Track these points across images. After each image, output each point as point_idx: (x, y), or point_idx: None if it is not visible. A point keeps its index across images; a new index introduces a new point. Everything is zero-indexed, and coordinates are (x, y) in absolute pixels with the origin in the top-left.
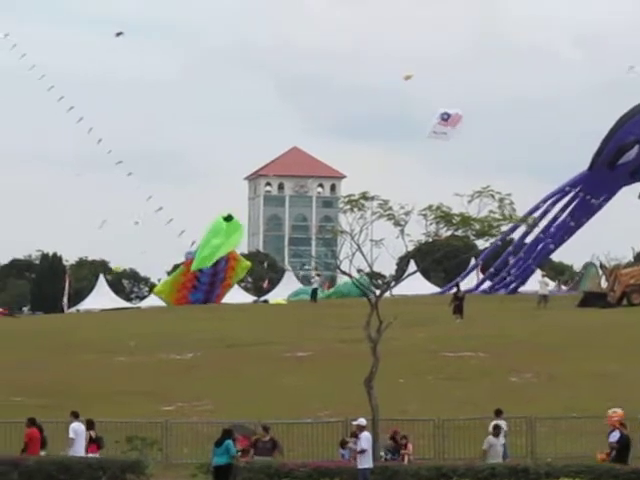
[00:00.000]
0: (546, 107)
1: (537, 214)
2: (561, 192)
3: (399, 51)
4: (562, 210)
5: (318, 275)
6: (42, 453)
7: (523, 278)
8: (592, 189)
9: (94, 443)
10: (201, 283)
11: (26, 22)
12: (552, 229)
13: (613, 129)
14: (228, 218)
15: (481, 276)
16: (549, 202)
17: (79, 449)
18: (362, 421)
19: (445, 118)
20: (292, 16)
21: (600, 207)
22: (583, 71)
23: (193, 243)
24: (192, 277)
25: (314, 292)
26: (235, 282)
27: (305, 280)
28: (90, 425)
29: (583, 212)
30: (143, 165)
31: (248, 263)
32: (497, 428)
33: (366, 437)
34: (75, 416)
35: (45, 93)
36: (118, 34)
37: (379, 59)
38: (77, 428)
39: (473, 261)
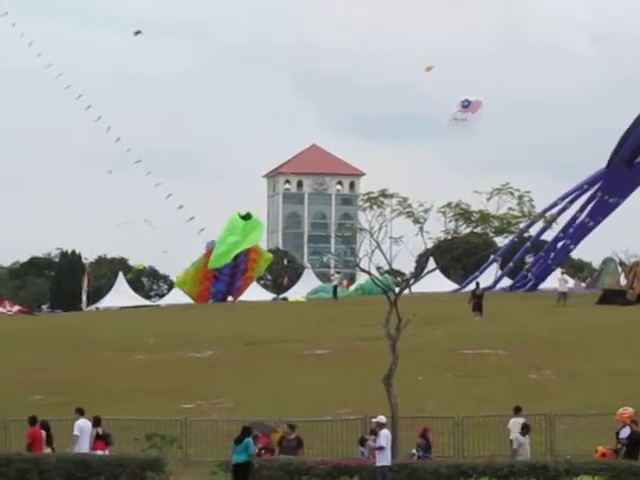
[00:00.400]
0: (563, 105)
1: (555, 211)
2: (579, 189)
3: (418, 50)
4: (581, 210)
5: (337, 272)
6: (47, 450)
7: (542, 277)
8: (610, 187)
9: (102, 440)
10: (222, 274)
11: (42, 21)
12: (571, 229)
13: (631, 127)
14: (247, 217)
15: (500, 273)
16: (567, 200)
17: (84, 446)
18: (382, 418)
19: (465, 105)
20: (310, 14)
21: (617, 205)
22: (599, 69)
23: (212, 242)
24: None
25: (335, 289)
26: (257, 275)
27: (324, 277)
28: (97, 422)
29: (600, 211)
30: (162, 163)
31: (270, 255)
32: (526, 427)
33: (385, 435)
34: (80, 413)
35: (63, 92)
36: (137, 33)
37: (398, 57)
38: (82, 425)
39: (492, 258)
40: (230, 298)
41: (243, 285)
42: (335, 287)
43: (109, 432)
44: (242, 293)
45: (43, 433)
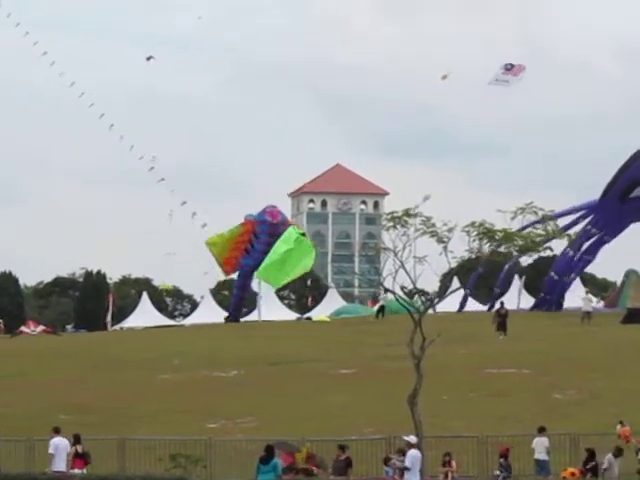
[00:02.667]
0: (587, 123)
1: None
2: (572, 212)
3: (442, 67)
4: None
5: (387, 291)
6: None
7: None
8: (601, 221)
9: (80, 458)
10: (255, 249)
11: (64, 39)
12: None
13: (629, 161)
14: (302, 235)
15: (524, 293)
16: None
17: (60, 464)
18: (412, 438)
19: (509, 68)
20: (335, 34)
21: (605, 243)
22: (625, 87)
23: (250, 215)
24: (248, 239)
25: (382, 309)
26: None
27: (348, 297)
28: (77, 440)
29: (593, 247)
30: (186, 181)
31: (312, 247)
32: (620, 450)
33: (412, 455)
34: (56, 432)
35: (87, 111)
36: (148, 58)
37: (422, 75)
38: (58, 443)
39: (517, 277)
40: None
41: None
42: (382, 307)
43: (88, 450)
44: None
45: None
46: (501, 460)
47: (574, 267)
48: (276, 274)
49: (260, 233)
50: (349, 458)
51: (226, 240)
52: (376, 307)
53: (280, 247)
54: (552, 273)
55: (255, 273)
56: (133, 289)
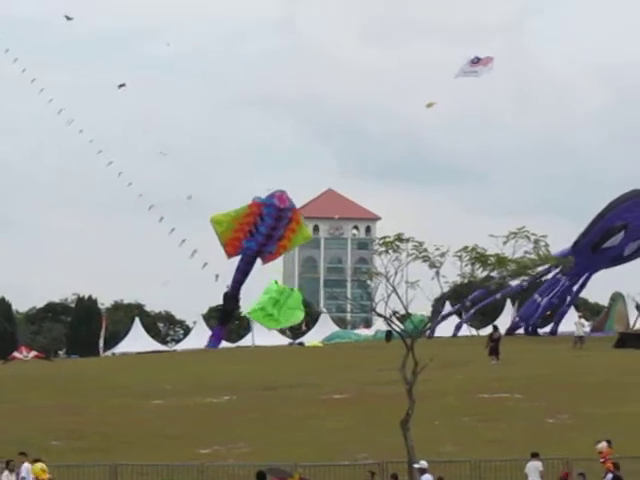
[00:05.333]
0: (577, 150)
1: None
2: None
3: (430, 94)
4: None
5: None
6: None
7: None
8: (569, 268)
9: None
10: (259, 232)
11: (54, 68)
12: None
13: (603, 212)
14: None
15: (517, 317)
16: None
17: None
18: (423, 464)
19: (475, 61)
20: (322, 62)
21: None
22: (614, 115)
23: (257, 197)
24: (253, 220)
25: (389, 333)
26: (291, 247)
27: (341, 323)
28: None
29: (552, 288)
30: (174, 207)
31: (310, 234)
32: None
33: None
34: (24, 455)
35: (75, 137)
36: (120, 86)
37: (409, 102)
38: (29, 467)
39: (509, 302)
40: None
41: (276, 252)
42: (390, 332)
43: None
44: (272, 260)
45: None
46: None
47: (541, 313)
48: (267, 319)
49: (266, 216)
50: None
51: (231, 219)
52: (376, 332)
53: (262, 298)
54: (517, 317)
55: (249, 312)
56: (125, 314)
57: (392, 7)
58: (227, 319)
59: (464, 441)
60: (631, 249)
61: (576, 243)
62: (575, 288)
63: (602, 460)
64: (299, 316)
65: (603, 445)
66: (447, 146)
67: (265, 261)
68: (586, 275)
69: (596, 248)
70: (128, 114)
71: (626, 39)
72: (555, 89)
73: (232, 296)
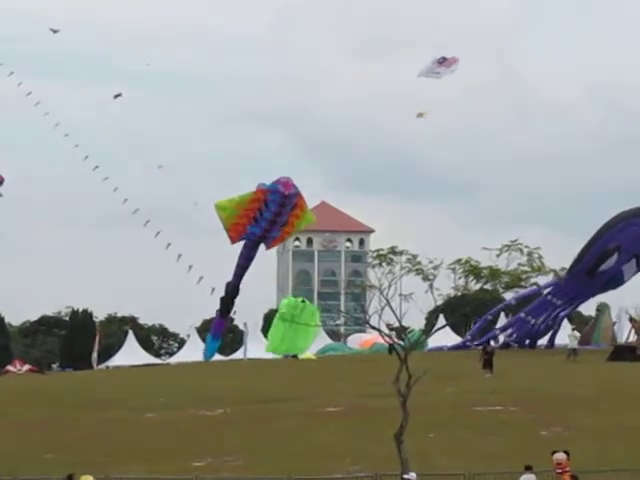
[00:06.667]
0: (569, 161)
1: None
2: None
3: (419, 105)
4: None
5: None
6: None
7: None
8: (564, 293)
9: None
10: (263, 218)
11: (49, 80)
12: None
13: (595, 236)
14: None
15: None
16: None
17: None
18: (413, 475)
19: (441, 62)
20: (313, 76)
21: (559, 309)
22: (604, 126)
23: (262, 183)
24: (258, 207)
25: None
26: (296, 231)
27: (334, 335)
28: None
29: (541, 310)
30: (171, 221)
31: (313, 218)
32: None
33: None
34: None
35: (71, 151)
36: (116, 96)
37: (400, 116)
38: None
39: (502, 314)
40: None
41: (279, 237)
42: (391, 346)
43: None
44: (277, 244)
45: None
46: None
47: (535, 333)
48: (286, 345)
49: (270, 202)
50: None
51: (235, 205)
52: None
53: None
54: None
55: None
56: (119, 327)
57: (381, 23)
58: (228, 309)
59: (458, 454)
60: (629, 272)
61: (571, 269)
62: (566, 312)
63: (559, 471)
64: (313, 333)
65: (562, 456)
66: (439, 160)
67: (269, 246)
68: (579, 300)
69: (592, 272)
70: (121, 129)
71: (616, 56)
72: (545, 104)
73: (234, 285)
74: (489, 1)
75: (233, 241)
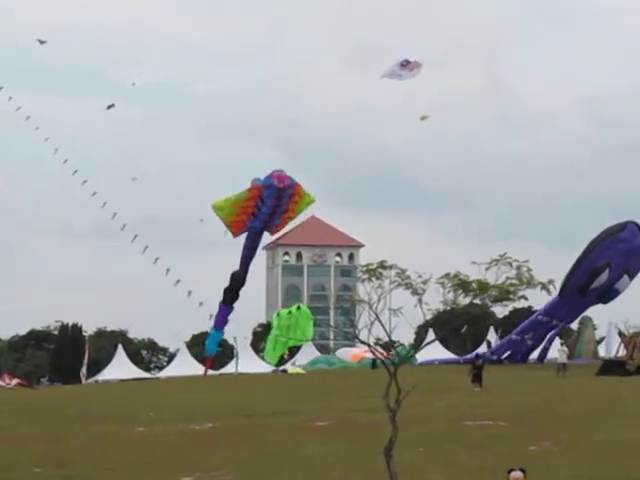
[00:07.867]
0: (558, 173)
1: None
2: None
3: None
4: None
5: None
6: None
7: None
8: (556, 311)
9: None
10: (262, 212)
11: (40, 95)
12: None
13: (584, 254)
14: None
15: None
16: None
17: None
18: None
19: (404, 64)
20: (301, 88)
21: (554, 327)
22: (595, 137)
23: (257, 179)
24: (254, 203)
25: (374, 362)
26: (296, 215)
27: (323, 349)
28: None
29: (534, 328)
30: (159, 236)
31: (312, 198)
32: None
33: None
34: None
35: (61, 167)
36: (109, 107)
37: (390, 128)
38: None
39: (492, 329)
40: None
41: (281, 224)
42: (374, 360)
43: None
44: (279, 231)
45: None
46: None
47: (527, 350)
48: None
49: (266, 197)
50: None
51: (232, 204)
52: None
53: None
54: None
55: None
56: (109, 342)
57: (371, 34)
58: (233, 298)
59: (448, 468)
60: (623, 286)
61: (563, 288)
62: (557, 331)
63: None
64: (310, 329)
65: (518, 475)
66: (428, 174)
67: (272, 233)
68: (572, 318)
69: (584, 290)
70: (108, 141)
71: (605, 68)
72: (533, 115)
73: (239, 275)
74: (479, 14)
75: (235, 235)
